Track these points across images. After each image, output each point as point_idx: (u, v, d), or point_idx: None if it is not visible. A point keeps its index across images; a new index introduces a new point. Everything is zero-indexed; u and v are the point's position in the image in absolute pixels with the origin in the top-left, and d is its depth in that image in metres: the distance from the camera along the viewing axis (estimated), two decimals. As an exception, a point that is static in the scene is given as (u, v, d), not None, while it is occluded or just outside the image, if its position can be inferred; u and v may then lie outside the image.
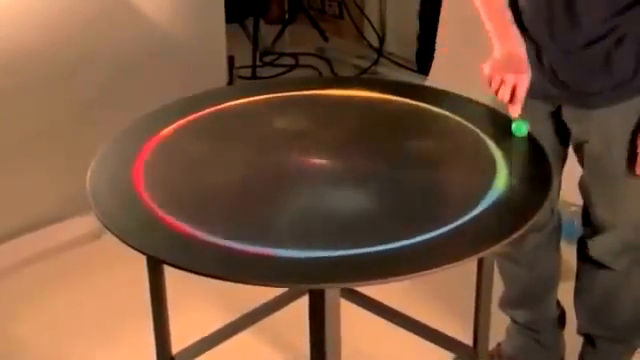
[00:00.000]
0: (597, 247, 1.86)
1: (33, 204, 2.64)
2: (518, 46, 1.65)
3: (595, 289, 1.93)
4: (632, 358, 2.05)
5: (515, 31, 1.67)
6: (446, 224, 1.36)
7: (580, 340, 2.07)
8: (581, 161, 1.81)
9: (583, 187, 1.84)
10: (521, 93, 1.60)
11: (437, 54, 3.46)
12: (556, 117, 1.79)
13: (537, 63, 1.70)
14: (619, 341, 2.00)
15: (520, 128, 1.62)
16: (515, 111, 1.62)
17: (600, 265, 1.88)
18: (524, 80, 1.61)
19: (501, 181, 1.49)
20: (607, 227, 1.82)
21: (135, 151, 1.62)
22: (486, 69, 1.63)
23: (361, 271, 1.27)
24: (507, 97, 1.60)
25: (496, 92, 1.61)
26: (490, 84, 1.61)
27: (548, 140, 1.73)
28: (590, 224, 1.86)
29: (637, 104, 1.68)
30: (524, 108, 1.63)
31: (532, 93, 1.64)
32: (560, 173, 1.87)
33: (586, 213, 1.87)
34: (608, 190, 1.79)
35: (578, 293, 1.99)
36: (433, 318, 2.02)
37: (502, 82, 1.60)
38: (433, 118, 1.75)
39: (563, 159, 1.88)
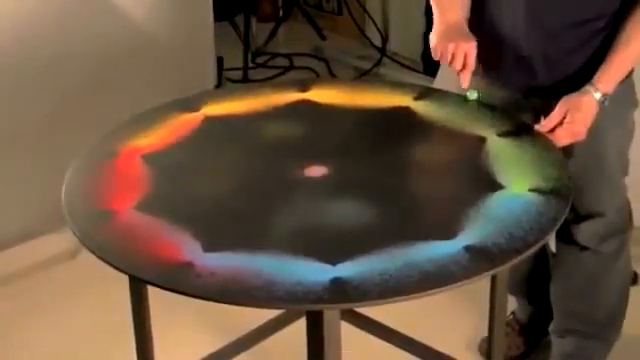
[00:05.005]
0: (583, 232, 1.94)
1: (-1, 220, 2.61)
2: (461, 17, 1.80)
3: (578, 275, 1.99)
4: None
5: (457, 3, 1.80)
6: (455, 237, 1.38)
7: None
8: (565, 150, 1.85)
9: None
10: (471, 61, 1.75)
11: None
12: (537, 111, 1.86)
13: (515, 55, 1.80)
14: (597, 338, 2.05)
15: (472, 95, 1.79)
16: (466, 79, 1.74)
17: (585, 249, 1.95)
18: (473, 48, 1.75)
19: (513, 189, 1.51)
20: (594, 214, 1.90)
21: (114, 161, 1.62)
22: (433, 40, 1.75)
23: (362, 291, 1.26)
24: (459, 65, 1.74)
25: (450, 62, 1.74)
26: (438, 55, 1.76)
27: None
28: (576, 210, 1.90)
29: (623, 88, 1.76)
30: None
31: (509, 86, 1.82)
32: None
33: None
34: (596, 180, 1.87)
35: (558, 281, 2.04)
36: (436, 339, 2.02)
37: (453, 51, 1.73)
38: (437, 121, 1.77)
39: None
